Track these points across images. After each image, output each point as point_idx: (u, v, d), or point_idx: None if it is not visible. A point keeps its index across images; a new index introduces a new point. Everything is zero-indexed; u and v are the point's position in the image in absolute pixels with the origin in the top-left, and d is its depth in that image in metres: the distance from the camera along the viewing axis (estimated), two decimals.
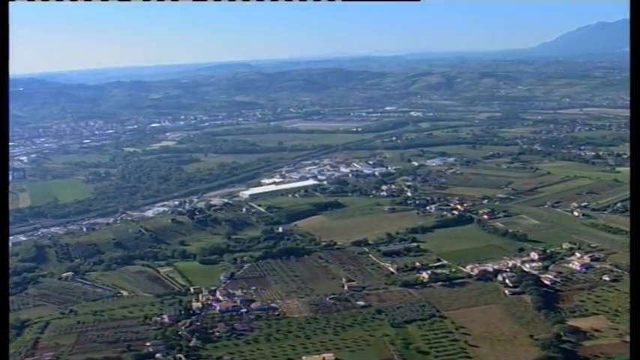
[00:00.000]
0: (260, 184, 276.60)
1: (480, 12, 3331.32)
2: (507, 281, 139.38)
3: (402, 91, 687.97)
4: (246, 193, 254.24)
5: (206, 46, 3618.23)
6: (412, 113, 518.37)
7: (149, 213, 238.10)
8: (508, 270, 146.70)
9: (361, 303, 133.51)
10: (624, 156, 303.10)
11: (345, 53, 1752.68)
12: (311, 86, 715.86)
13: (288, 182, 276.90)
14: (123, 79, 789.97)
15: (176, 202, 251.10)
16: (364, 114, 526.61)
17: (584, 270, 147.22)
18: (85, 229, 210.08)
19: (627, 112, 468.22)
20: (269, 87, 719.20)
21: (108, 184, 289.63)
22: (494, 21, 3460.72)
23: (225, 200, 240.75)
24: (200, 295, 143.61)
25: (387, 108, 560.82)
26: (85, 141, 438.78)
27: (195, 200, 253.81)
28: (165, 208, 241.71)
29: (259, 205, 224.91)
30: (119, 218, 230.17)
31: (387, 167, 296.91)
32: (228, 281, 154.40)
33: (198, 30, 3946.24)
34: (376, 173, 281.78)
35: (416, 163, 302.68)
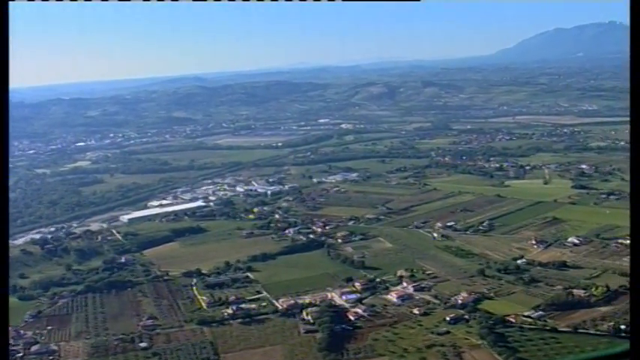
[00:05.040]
0: (146, 207, 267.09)
1: (454, 17, 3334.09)
2: (309, 317, 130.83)
3: (342, 102, 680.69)
4: (125, 218, 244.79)
5: (171, 59, 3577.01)
6: (343, 125, 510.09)
7: (20, 241, 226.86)
8: (318, 304, 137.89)
9: (144, 344, 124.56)
10: (527, 167, 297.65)
11: (308, 64, 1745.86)
12: (251, 100, 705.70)
13: (177, 204, 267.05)
14: (64, 96, 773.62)
15: (52, 229, 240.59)
16: (294, 127, 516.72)
17: (399, 302, 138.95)
18: None
19: (557, 120, 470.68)
20: (209, 101, 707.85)
21: None
22: (465, 26, 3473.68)
23: (86, 228, 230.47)
24: None
25: (321, 120, 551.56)
26: None
27: (75, 226, 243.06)
28: (38, 236, 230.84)
29: (118, 232, 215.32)
30: None
31: (283, 185, 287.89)
32: (31, 320, 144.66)
33: (168, 43, 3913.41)
34: (268, 192, 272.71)
35: (315, 180, 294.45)
